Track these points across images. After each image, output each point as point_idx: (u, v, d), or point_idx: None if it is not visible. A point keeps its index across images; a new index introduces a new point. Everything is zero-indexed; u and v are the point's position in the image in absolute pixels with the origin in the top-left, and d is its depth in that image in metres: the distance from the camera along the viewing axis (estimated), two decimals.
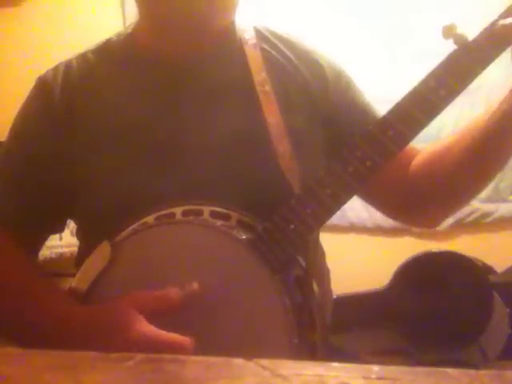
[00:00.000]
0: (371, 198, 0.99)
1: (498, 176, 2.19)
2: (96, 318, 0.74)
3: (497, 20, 0.74)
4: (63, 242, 1.89)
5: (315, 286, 0.79)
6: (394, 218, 1.04)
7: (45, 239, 0.96)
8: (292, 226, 0.75)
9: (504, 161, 0.85)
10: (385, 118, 0.76)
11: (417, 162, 0.93)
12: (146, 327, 0.71)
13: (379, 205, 1.01)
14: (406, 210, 0.99)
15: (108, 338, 0.70)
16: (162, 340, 0.69)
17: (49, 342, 0.75)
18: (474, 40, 0.74)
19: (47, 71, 0.94)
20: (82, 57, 0.94)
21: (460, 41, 0.74)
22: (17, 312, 0.82)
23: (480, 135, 0.82)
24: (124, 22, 2.29)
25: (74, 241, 0.96)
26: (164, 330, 0.71)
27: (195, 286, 0.73)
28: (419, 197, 0.93)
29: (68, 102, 0.89)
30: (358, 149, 0.75)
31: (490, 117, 0.80)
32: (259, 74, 0.88)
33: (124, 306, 0.73)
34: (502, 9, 0.75)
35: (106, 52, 0.94)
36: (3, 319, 0.83)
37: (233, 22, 0.93)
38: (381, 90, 2.06)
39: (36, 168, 0.90)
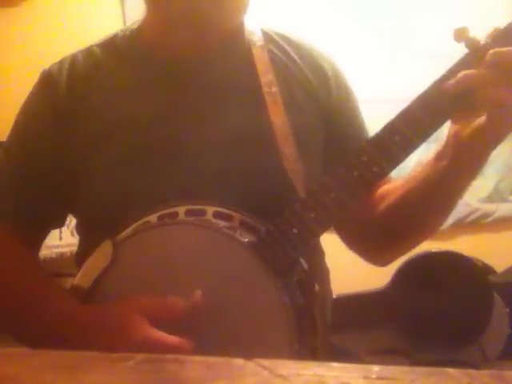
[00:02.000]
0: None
1: (498, 176, 2.20)
2: (99, 319, 0.74)
3: (509, 24, 0.72)
4: (63, 241, 1.88)
5: (317, 290, 0.78)
6: (348, 246, 0.99)
7: (45, 235, 0.96)
8: (295, 230, 0.74)
9: (432, 217, 0.85)
10: (392, 122, 0.74)
11: (378, 193, 0.92)
12: (147, 330, 0.71)
13: (338, 231, 0.98)
14: (352, 240, 0.97)
15: (110, 340, 0.71)
16: (162, 342, 0.70)
17: (50, 341, 0.75)
18: (486, 44, 0.72)
19: (52, 65, 0.93)
20: (88, 51, 0.93)
21: (472, 44, 0.72)
22: (19, 310, 0.82)
23: (408, 189, 0.84)
24: (124, 22, 2.29)
25: (74, 241, 0.96)
26: (165, 330, 0.71)
27: (199, 297, 0.73)
28: (364, 230, 0.94)
29: (73, 96, 0.89)
30: (364, 153, 0.74)
31: (421, 172, 0.82)
32: (266, 76, 0.88)
33: (128, 310, 0.73)
34: (502, 9, 0.74)
35: (112, 47, 0.93)
36: (6, 317, 0.83)
37: (242, 23, 0.93)
38: (381, 90, 2.07)
39: (38, 163, 0.89)
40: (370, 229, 0.93)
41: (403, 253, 0.97)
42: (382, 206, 0.89)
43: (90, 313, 0.76)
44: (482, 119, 0.72)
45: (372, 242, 0.95)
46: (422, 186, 0.82)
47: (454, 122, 0.75)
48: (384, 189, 0.92)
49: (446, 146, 0.78)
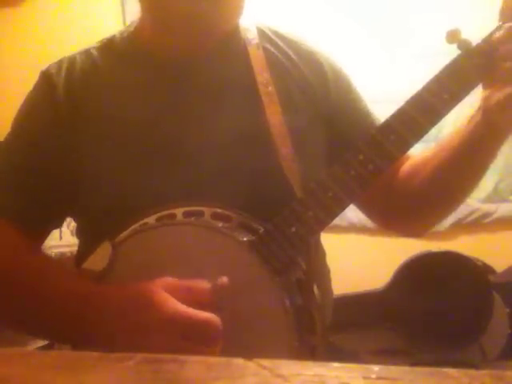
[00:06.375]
0: (358, 202, 0.99)
1: (498, 176, 2.20)
2: (129, 296, 0.71)
3: (499, 26, 0.74)
4: (63, 241, 1.88)
5: (315, 289, 0.78)
6: (378, 223, 1.04)
7: (45, 235, 0.95)
8: (293, 229, 0.75)
9: (473, 178, 0.86)
10: (387, 122, 0.76)
11: (403, 170, 0.94)
12: (177, 305, 0.68)
13: (364, 209, 1.01)
14: (388, 217, 1.00)
15: (142, 315, 0.68)
16: (192, 317, 0.67)
17: (75, 328, 0.72)
18: (478, 46, 0.75)
19: (51, 65, 0.93)
20: (86, 53, 0.94)
21: (464, 46, 0.75)
22: (34, 298, 0.78)
23: (448, 154, 0.84)
24: (124, 22, 2.29)
25: (74, 241, 0.95)
26: None
27: (225, 281, 0.70)
28: (400, 205, 0.95)
29: (71, 98, 0.89)
30: (360, 152, 0.75)
31: (457, 136, 0.83)
32: (262, 75, 0.88)
33: (155, 288, 0.70)
34: None
35: (110, 49, 0.94)
36: (21, 308, 0.80)
37: (237, 23, 0.93)
38: (381, 90, 2.07)
39: (38, 162, 0.89)
40: (408, 202, 0.94)
41: (443, 218, 0.97)
42: (419, 177, 0.90)
43: (118, 291, 0.72)
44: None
45: (411, 214, 0.96)
46: (458, 151, 0.83)
47: (484, 87, 0.77)
48: (415, 162, 0.93)
49: (478, 109, 0.79)
